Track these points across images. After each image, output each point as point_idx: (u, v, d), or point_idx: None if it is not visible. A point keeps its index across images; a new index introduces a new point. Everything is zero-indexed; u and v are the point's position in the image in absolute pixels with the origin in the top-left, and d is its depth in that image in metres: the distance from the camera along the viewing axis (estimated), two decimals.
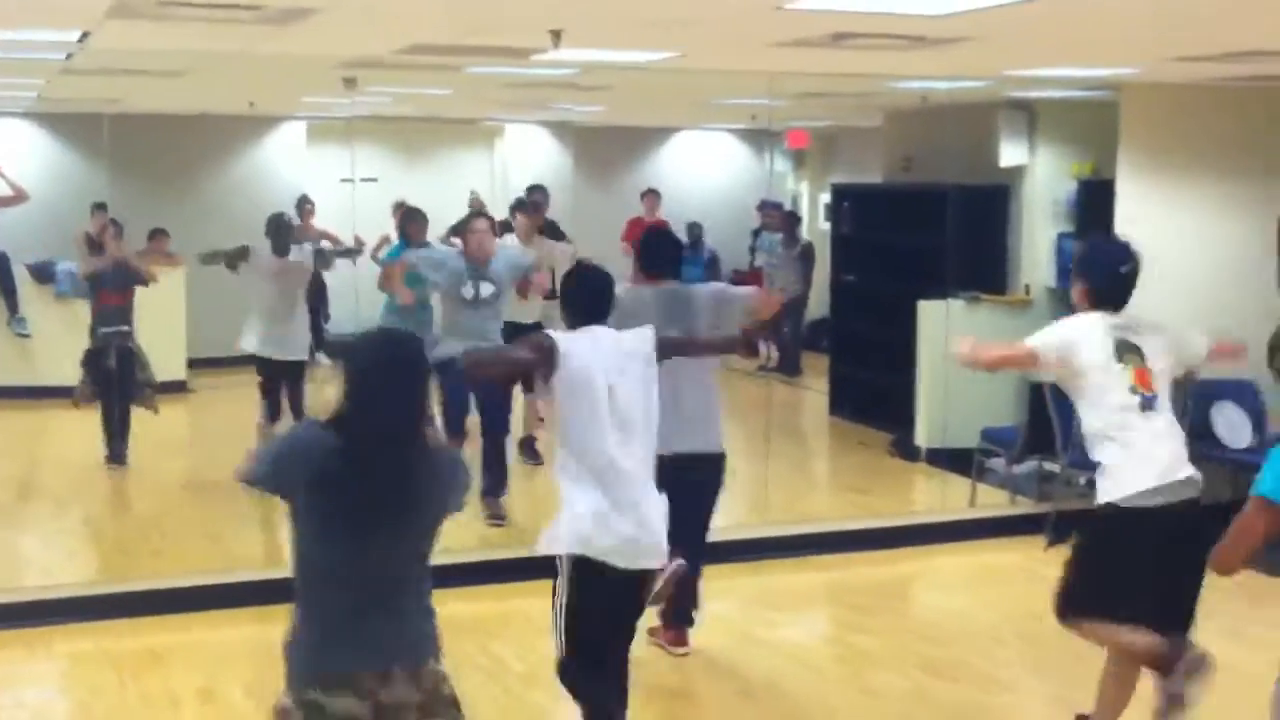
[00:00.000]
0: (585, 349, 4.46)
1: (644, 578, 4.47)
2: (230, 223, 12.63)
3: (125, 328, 9.28)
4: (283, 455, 3.29)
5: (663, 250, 6.01)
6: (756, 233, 13.61)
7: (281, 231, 8.92)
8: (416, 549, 3.35)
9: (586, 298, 4.66)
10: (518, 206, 9.61)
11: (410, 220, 9.43)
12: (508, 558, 7.12)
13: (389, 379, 3.20)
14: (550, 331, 4.57)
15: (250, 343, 8.85)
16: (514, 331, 7.76)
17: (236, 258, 8.82)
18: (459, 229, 8.72)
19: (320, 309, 12.46)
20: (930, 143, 10.29)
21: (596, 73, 8.08)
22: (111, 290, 9.36)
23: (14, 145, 12.36)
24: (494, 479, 7.87)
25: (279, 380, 8.83)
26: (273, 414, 8.74)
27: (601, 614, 4.45)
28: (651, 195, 12.90)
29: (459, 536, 7.82)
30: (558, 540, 4.42)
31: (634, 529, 4.36)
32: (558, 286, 4.90)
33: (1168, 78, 7.68)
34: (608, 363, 4.45)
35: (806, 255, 13.16)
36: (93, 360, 9.19)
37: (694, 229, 13.43)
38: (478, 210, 8.47)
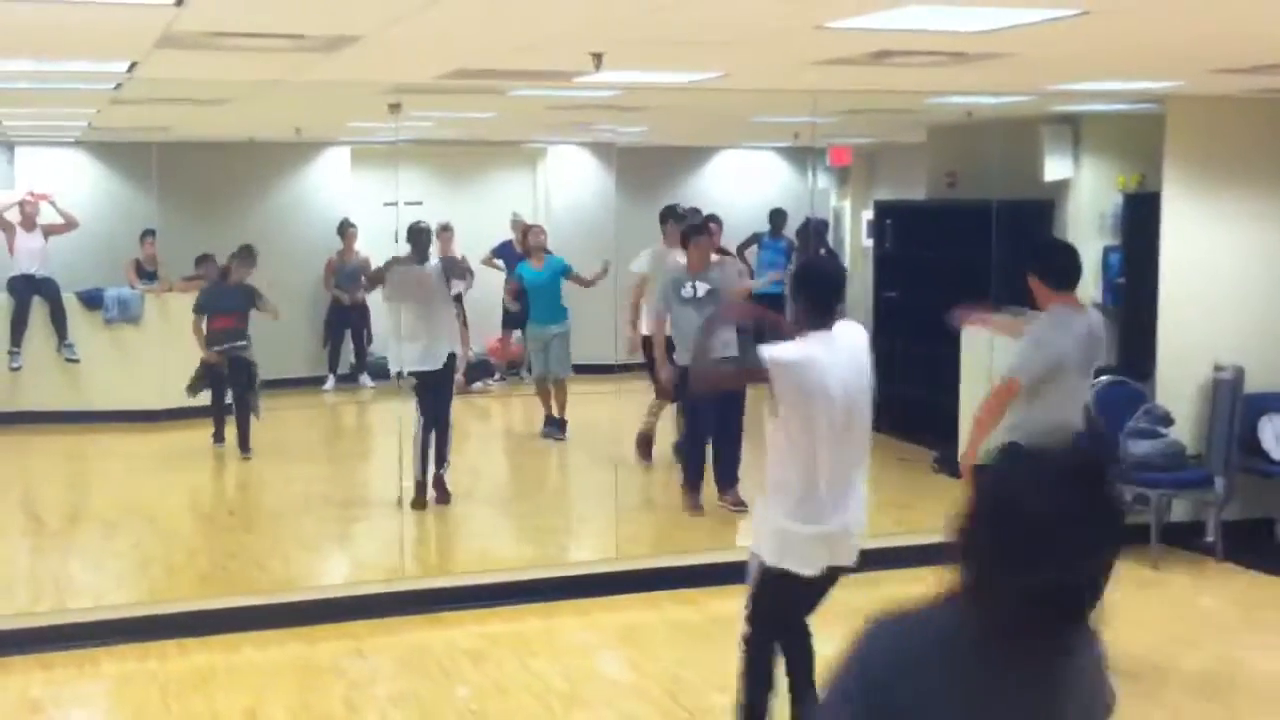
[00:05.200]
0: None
1: None
2: (277, 247, 12.79)
3: (241, 342, 10.02)
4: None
5: (1073, 264, 5.76)
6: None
7: (422, 241, 8.76)
8: None
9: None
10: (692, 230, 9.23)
11: (526, 236, 11.21)
12: (551, 576, 7.16)
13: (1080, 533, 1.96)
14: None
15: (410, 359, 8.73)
16: None
17: (377, 279, 8.86)
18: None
19: (363, 330, 12.59)
20: (974, 158, 10.25)
21: (638, 93, 8.11)
22: (222, 313, 9.96)
23: (65, 174, 12.56)
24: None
25: (427, 392, 8.64)
26: (427, 424, 8.59)
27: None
28: (715, 225, 12.84)
29: (503, 556, 7.87)
30: None
31: None
32: None
33: (1212, 90, 7.62)
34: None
35: None
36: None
37: (777, 216, 13.28)
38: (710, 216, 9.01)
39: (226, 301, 10.07)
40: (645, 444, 9.64)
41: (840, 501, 4.59)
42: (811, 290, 4.64)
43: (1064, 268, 5.70)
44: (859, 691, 2.08)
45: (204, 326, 10.02)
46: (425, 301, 8.57)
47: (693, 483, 8.43)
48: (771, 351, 4.48)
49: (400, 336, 8.74)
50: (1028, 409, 5.57)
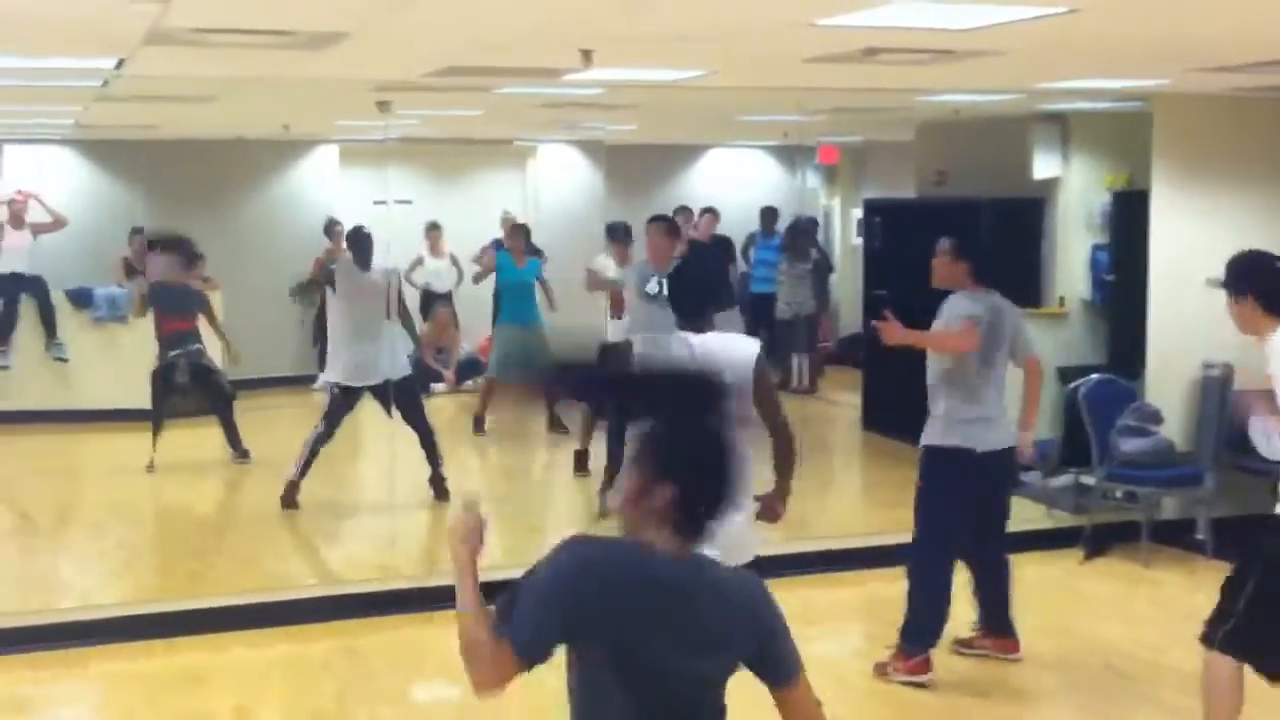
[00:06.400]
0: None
1: None
2: (265, 246, 12.77)
3: (196, 346, 9.74)
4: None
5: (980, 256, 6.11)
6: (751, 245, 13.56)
7: (364, 245, 8.62)
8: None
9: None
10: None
11: (510, 234, 11.17)
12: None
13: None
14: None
15: (334, 372, 8.55)
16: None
17: (324, 281, 8.71)
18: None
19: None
20: (963, 156, 10.26)
21: (627, 91, 8.10)
22: (173, 314, 9.66)
23: (53, 172, 12.53)
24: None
25: (350, 410, 8.55)
26: (327, 434, 8.49)
27: None
28: (710, 215, 12.81)
29: (494, 554, 7.85)
30: None
31: None
32: None
33: (1200, 88, 7.64)
34: None
35: (819, 270, 13.03)
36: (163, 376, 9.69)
37: (768, 214, 13.34)
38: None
39: (177, 301, 9.75)
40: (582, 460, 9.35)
41: None
42: (674, 294, 4.79)
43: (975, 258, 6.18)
44: (559, 587, 2.45)
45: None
46: (370, 310, 8.42)
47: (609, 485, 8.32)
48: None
49: (337, 344, 8.52)
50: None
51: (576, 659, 2.54)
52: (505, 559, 7.57)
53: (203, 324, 9.87)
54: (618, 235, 9.65)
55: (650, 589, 2.48)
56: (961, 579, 6.04)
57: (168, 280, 9.78)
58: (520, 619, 2.45)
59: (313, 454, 8.42)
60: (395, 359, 8.56)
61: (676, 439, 2.54)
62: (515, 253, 10.86)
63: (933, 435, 5.84)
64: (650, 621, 2.47)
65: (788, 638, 2.67)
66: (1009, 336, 5.87)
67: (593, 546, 2.53)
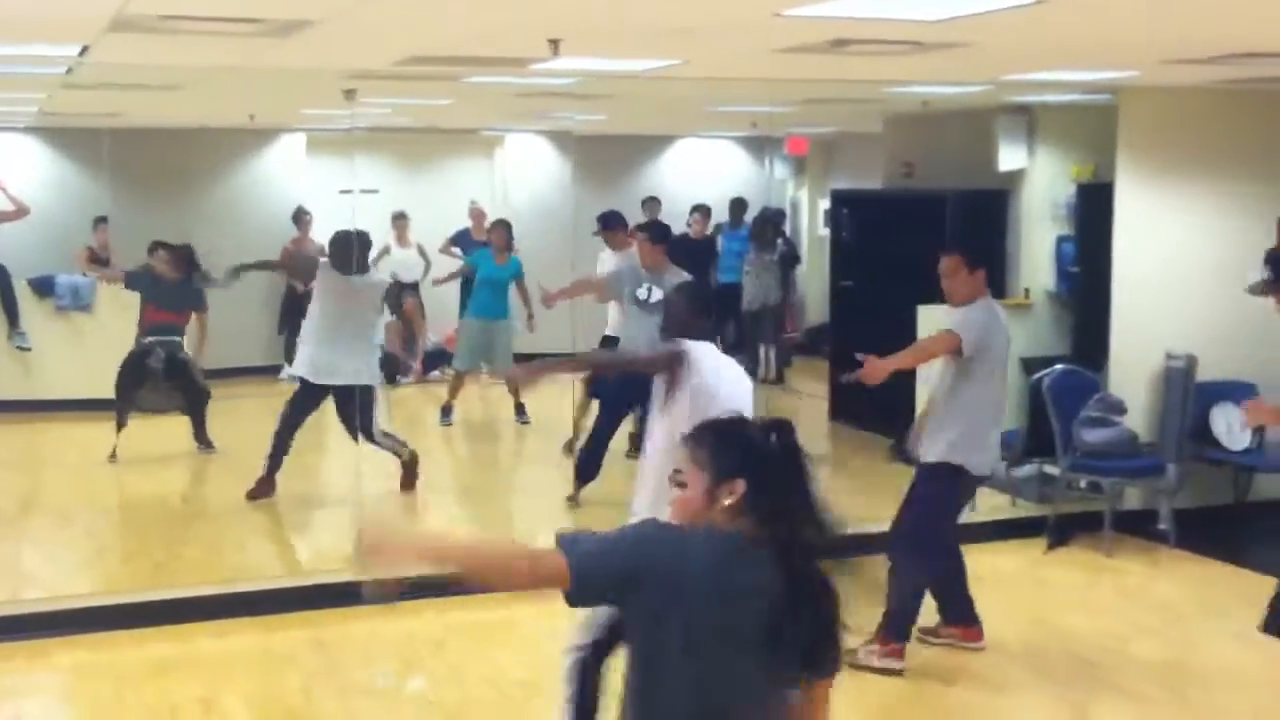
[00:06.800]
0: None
1: None
2: (231, 235, 12.67)
3: (176, 338, 9.59)
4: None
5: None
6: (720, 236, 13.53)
7: (342, 249, 8.43)
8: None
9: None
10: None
11: (494, 229, 11.09)
12: None
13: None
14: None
15: (297, 366, 8.52)
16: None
17: (263, 268, 8.76)
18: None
19: (294, 322, 12.47)
20: (930, 148, 10.30)
21: (596, 81, 8.08)
22: (163, 307, 9.53)
23: (15, 160, 12.40)
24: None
25: (314, 406, 8.49)
26: (291, 425, 8.44)
27: None
28: (700, 214, 12.76)
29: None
30: None
31: None
32: None
33: (1166, 81, 7.69)
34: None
35: (785, 261, 13.04)
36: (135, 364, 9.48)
37: (737, 206, 13.35)
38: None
39: (170, 296, 9.61)
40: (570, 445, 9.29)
41: None
42: (666, 313, 5.05)
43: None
44: (629, 549, 2.57)
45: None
46: (340, 314, 8.33)
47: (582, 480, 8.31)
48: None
49: (304, 339, 8.47)
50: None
51: (638, 627, 2.60)
52: None
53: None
54: (613, 224, 9.59)
55: (727, 576, 2.55)
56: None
57: (162, 273, 9.68)
58: (587, 545, 2.55)
59: (278, 444, 8.37)
60: (367, 366, 8.44)
61: (735, 438, 2.71)
62: (496, 249, 10.80)
63: (940, 452, 5.89)
64: (721, 606, 2.54)
65: (839, 633, 2.71)
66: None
67: (675, 527, 2.65)
